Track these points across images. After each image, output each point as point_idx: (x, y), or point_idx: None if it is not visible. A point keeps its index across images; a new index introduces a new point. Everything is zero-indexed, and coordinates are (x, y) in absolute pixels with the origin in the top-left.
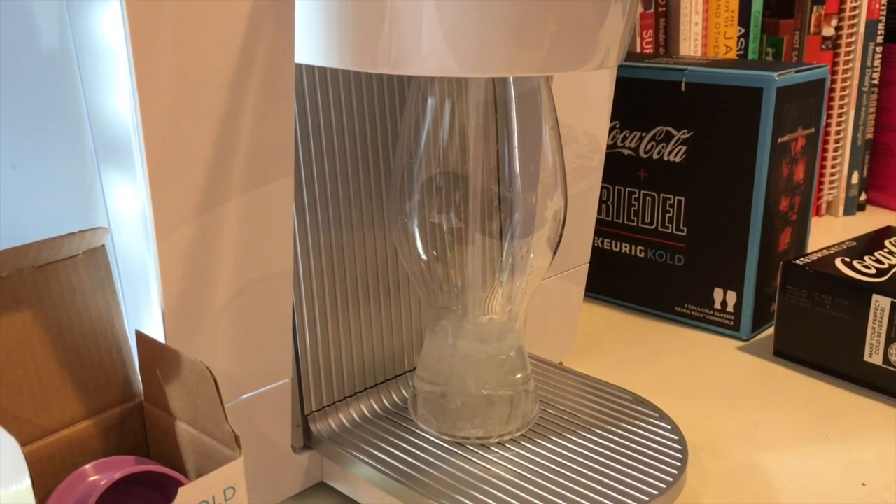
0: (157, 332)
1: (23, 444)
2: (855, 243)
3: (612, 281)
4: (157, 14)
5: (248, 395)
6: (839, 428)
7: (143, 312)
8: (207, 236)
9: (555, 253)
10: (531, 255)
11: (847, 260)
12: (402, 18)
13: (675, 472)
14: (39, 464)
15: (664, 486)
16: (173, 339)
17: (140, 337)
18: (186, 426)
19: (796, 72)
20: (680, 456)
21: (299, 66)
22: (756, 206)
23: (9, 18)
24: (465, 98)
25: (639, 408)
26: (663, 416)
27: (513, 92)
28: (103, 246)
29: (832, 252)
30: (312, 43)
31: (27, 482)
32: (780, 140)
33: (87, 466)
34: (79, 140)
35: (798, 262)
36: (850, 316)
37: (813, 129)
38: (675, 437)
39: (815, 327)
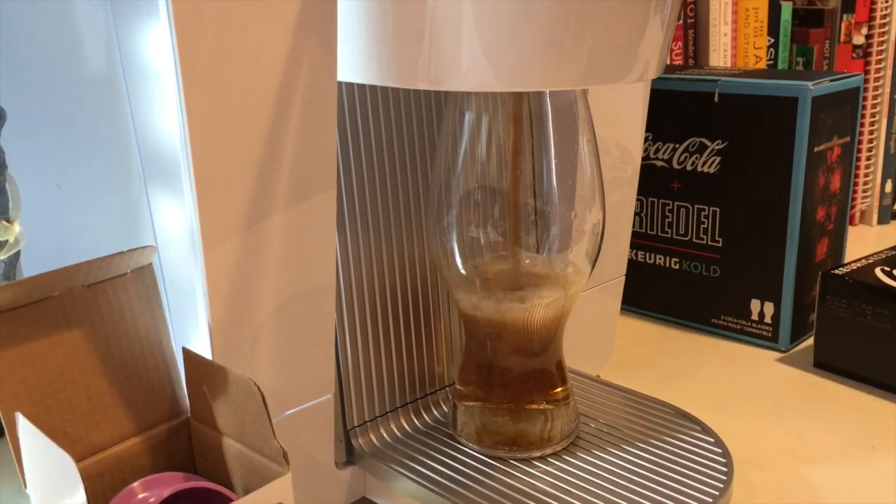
0: (203, 349)
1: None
2: (893, 252)
3: (647, 293)
4: (203, 35)
5: (291, 410)
6: (885, 439)
7: (190, 329)
8: (253, 252)
9: (593, 266)
10: (570, 269)
11: (887, 269)
12: (441, 35)
13: (722, 486)
14: (90, 481)
15: (710, 500)
16: (220, 356)
17: (187, 354)
18: (233, 442)
19: (831, 80)
20: (725, 469)
21: (340, 82)
22: (793, 217)
23: (58, 42)
24: (501, 112)
25: (681, 421)
26: (706, 430)
27: (549, 105)
28: (151, 264)
29: (871, 261)
30: (354, 61)
31: (82, 496)
32: (816, 149)
33: (136, 484)
34: (125, 160)
35: (837, 271)
36: (892, 325)
37: (848, 138)
38: (720, 451)
39: (855, 337)
